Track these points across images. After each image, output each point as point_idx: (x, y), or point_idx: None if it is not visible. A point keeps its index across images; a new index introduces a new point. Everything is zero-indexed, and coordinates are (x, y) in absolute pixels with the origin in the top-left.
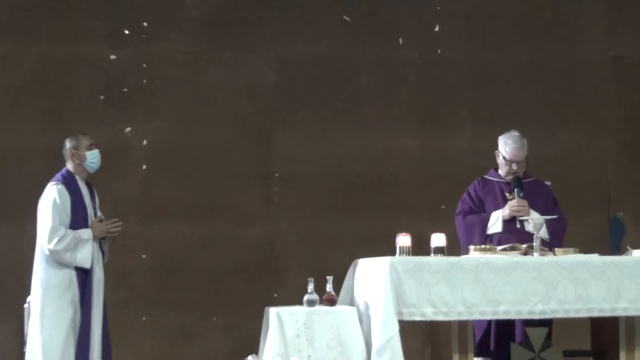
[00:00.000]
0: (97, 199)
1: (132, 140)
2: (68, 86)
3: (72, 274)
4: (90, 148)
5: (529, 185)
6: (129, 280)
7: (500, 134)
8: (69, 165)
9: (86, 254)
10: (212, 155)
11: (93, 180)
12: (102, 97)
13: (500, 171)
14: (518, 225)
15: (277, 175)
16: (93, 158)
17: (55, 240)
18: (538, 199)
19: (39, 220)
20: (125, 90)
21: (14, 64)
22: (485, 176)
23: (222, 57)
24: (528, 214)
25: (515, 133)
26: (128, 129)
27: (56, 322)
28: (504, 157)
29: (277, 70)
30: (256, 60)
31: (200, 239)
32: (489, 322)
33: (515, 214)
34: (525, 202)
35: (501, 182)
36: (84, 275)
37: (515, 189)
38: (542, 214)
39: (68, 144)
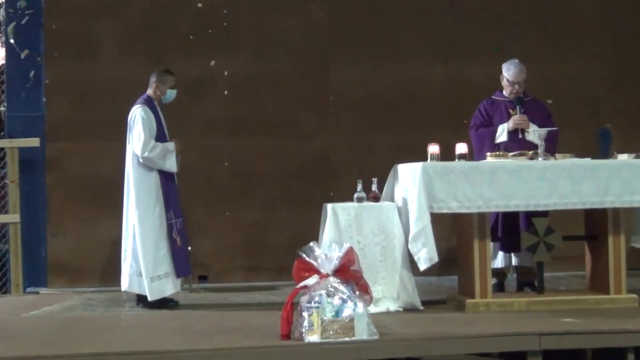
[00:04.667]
0: None
1: (215, 71)
2: (165, 29)
3: (158, 178)
4: (171, 88)
5: (528, 103)
6: (214, 184)
7: None
8: (150, 92)
9: (173, 161)
10: (279, 83)
11: (181, 105)
12: (191, 37)
13: (504, 92)
14: (520, 136)
15: (331, 98)
16: (170, 96)
17: (149, 149)
18: (536, 114)
19: (133, 135)
20: (209, 31)
21: (123, 11)
22: (492, 96)
23: (286, 3)
24: (528, 126)
25: (515, 60)
26: (212, 63)
27: (148, 213)
28: (507, 80)
29: (330, 13)
30: (313, 6)
31: (272, 150)
32: (497, 214)
33: (517, 126)
34: (525, 117)
35: (506, 100)
36: (166, 180)
37: (517, 106)
38: (539, 126)
39: (155, 76)
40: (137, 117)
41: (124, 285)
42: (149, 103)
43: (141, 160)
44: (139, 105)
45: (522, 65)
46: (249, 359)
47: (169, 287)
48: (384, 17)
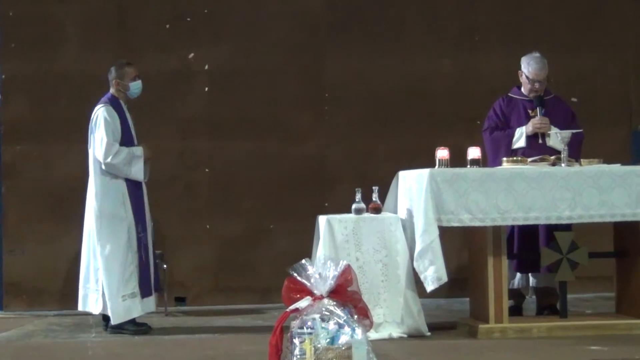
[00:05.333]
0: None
1: (195, 65)
2: (137, 16)
3: (125, 186)
4: (134, 79)
5: (550, 102)
6: (193, 192)
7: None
8: (113, 90)
9: (140, 168)
10: (267, 78)
11: (155, 103)
12: (167, 26)
13: (523, 89)
14: (540, 141)
15: (327, 95)
16: (136, 88)
17: (112, 154)
18: (558, 115)
19: (94, 138)
20: (188, 19)
21: None
22: (509, 94)
23: None
24: (549, 130)
25: (536, 54)
26: (191, 55)
27: (113, 225)
28: (526, 77)
29: None
30: None
31: (258, 154)
32: (512, 228)
33: (537, 130)
34: (546, 119)
35: (524, 99)
36: (134, 188)
37: (538, 107)
38: (561, 128)
39: (114, 72)
40: (100, 119)
41: (98, 308)
42: (114, 102)
43: (103, 167)
44: (102, 104)
45: (544, 60)
46: None
47: (136, 308)
48: (386, 2)
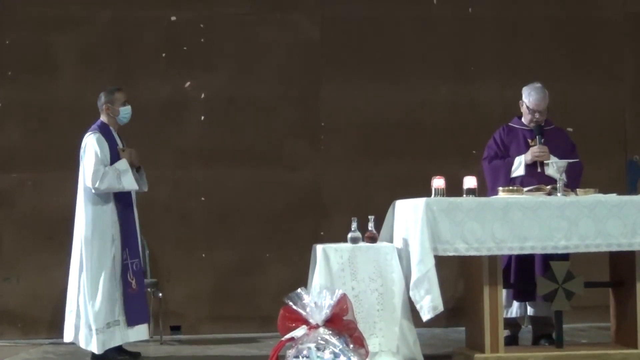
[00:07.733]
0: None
1: (191, 94)
2: (133, 45)
3: (115, 213)
4: (124, 104)
5: (550, 132)
6: (189, 221)
7: (524, 85)
8: (103, 117)
9: (130, 179)
10: (263, 107)
11: (151, 132)
12: (163, 55)
13: (523, 119)
14: (539, 169)
15: (322, 124)
16: (125, 113)
17: (99, 180)
18: (558, 145)
19: (83, 166)
20: (184, 48)
21: (85, 25)
22: (509, 124)
23: (271, 17)
24: (548, 159)
25: (537, 85)
26: (187, 84)
27: (102, 252)
28: (527, 107)
29: (322, 28)
30: (302, 20)
31: (254, 183)
32: (510, 257)
33: (536, 158)
34: (545, 148)
35: (524, 129)
36: (123, 214)
37: (537, 136)
38: (561, 159)
39: (103, 98)
40: (88, 147)
41: (68, 336)
42: (103, 129)
43: (93, 191)
44: (92, 132)
45: (545, 91)
46: None
47: (117, 336)
48: (382, 32)
